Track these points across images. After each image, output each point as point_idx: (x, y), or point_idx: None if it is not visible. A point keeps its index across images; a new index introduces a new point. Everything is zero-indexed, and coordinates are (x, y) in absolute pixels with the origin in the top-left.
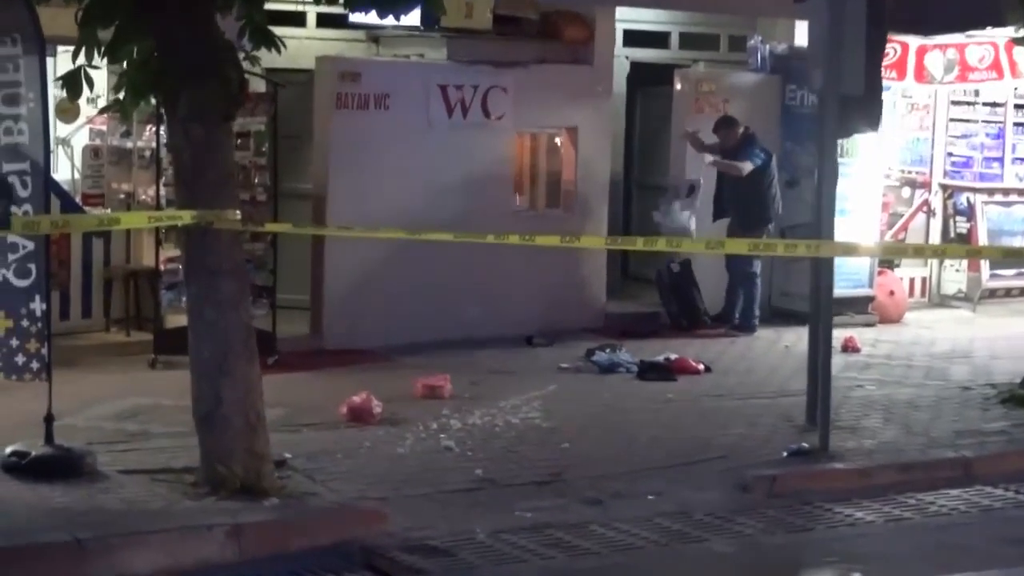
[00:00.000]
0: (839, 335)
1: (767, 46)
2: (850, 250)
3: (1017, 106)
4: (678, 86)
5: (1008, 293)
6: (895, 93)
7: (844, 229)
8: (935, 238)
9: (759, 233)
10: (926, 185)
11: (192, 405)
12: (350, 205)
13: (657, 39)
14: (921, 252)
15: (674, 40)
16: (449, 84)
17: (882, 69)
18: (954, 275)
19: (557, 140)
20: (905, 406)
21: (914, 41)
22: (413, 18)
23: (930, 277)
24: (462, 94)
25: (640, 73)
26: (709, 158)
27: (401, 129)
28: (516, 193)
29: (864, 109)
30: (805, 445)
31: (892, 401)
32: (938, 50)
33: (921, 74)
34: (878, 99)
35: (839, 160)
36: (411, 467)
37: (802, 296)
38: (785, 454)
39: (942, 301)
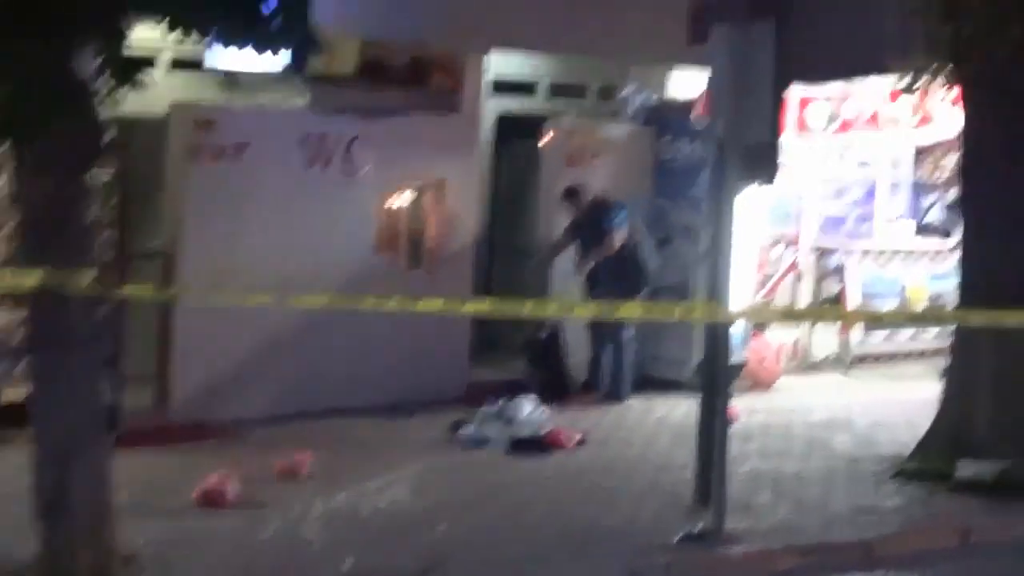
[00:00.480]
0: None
1: (640, 96)
2: (761, 315)
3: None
4: (548, 138)
5: (878, 358)
6: None
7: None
8: (805, 300)
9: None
10: (796, 244)
11: (33, 493)
12: (204, 265)
13: (525, 89)
14: (822, 316)
15: (542, 89)
16: (312, 134)
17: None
18: (825, 339)
19: (422, 195)
20: (794, 481)
21: (795, 92)
22: (277, 62)
23: (798, 341)
24: (326, 145)
25: (507, 125)
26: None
27: (260, 182)
28: (379, 251)
29: (765, 159)
30: (699, 526)
31: (781, 475)
32: (820, 101)
33: (803, 126)
34: (776, 148)
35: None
36: (273, 559)
37: (675, 362)
38: (677, 538)
39: (813, 366)
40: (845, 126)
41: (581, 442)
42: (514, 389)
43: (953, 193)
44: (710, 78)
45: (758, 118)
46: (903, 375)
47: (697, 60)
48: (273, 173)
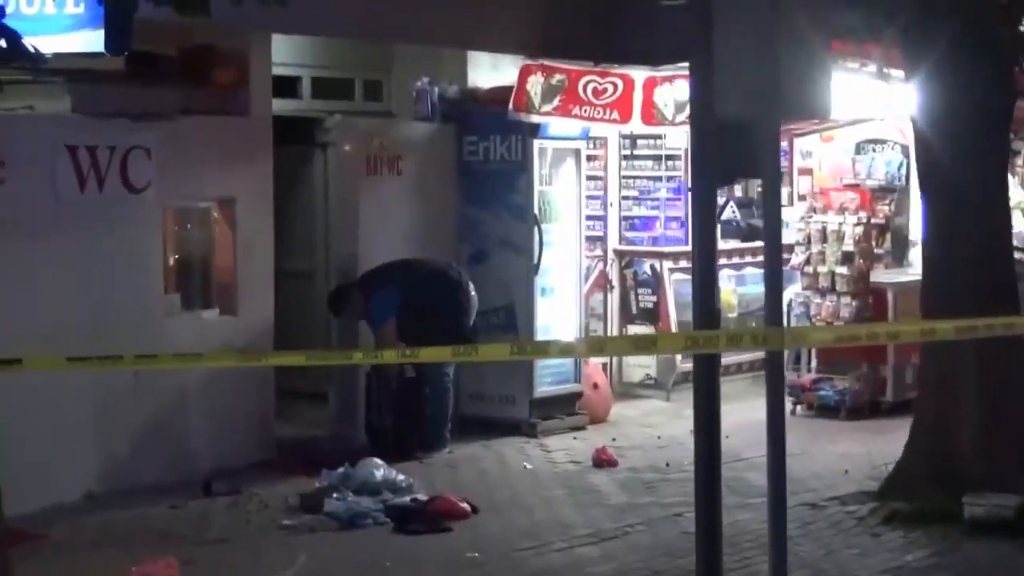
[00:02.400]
0: (563, 445)
1: (436, 89)
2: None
3: None
4: (344, 143)
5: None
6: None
7: (549, 311)
8: (614, 315)
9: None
10: (600, 252)
11: None
12: None
13: (288, 86)
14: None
15: (305, 87)
16: (80, 145)
17: None
18: (639, 359)
19: (210, 218)
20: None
21: (640, 75)
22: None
23: (611, 363)
24: (96, 158)
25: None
26: None
27: (20, 208)
28: (168, 289)
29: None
30: None
31: (750, 531)
32: (667, 83)
33: (650, 114)
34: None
35: (539, 228)
36: None
37: (500, 399)
38: None
39: (627, 390)
40: None
41: (474, 510)
42: (340, 447)
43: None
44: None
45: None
46: (728, 395)
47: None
48: (36, 196)
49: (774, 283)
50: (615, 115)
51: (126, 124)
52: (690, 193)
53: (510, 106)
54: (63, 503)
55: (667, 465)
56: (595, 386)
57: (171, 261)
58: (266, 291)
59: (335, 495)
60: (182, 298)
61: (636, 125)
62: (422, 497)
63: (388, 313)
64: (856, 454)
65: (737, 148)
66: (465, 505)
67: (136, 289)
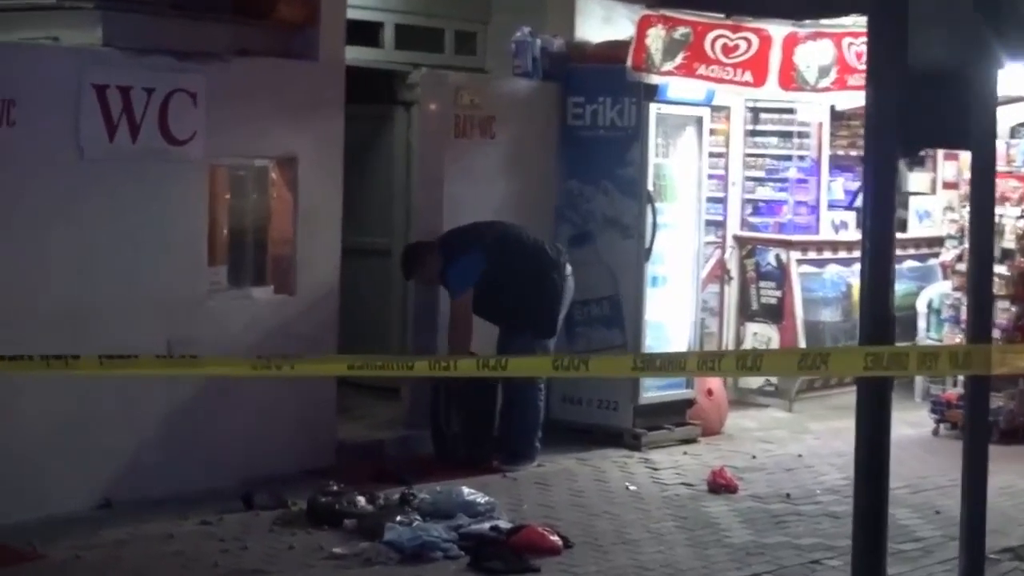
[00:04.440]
0: (672, 462)
1: (538, 42)
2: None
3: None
4: (430, 101)
5: (826, 384)
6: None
7: (660, 305)
8: (732, 311)
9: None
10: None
11: None
12: None
13: (367, 32)
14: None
15: (388, 35)
16: (111, 85)
17: None
18: None
19: (267, 179)
20: None
21: (780, 30)
22: None
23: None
24: (130, 102)
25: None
26: None
27: (33, 159)
28: (213, 262)
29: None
30: None
31: None
32: (811, 41)
33: (789, 77)
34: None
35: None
36: None
37: (600, 404)
38: None
39: (743, 397)
40: (842, 82)
41: (567, 544)
42: (412, 454)
43: None
44: None
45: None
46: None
47: None
48: (55, 146)
49: (981, 291)
50: (748, 76)
51: (168, 63)
52: (863, 167)
53: (628, 63)
54: (73, 513)
55: (788, 496)
56: (709, 392)
57: (218, 229)
58: (330, 268)
59: (399, 518)
60: (230, 272)
61: (772, 89)
62: (504, 525)
63: (469, 281)
64: (1021, 490)
65: (933, 109)
66: (556, 538)
67: (174, 260)
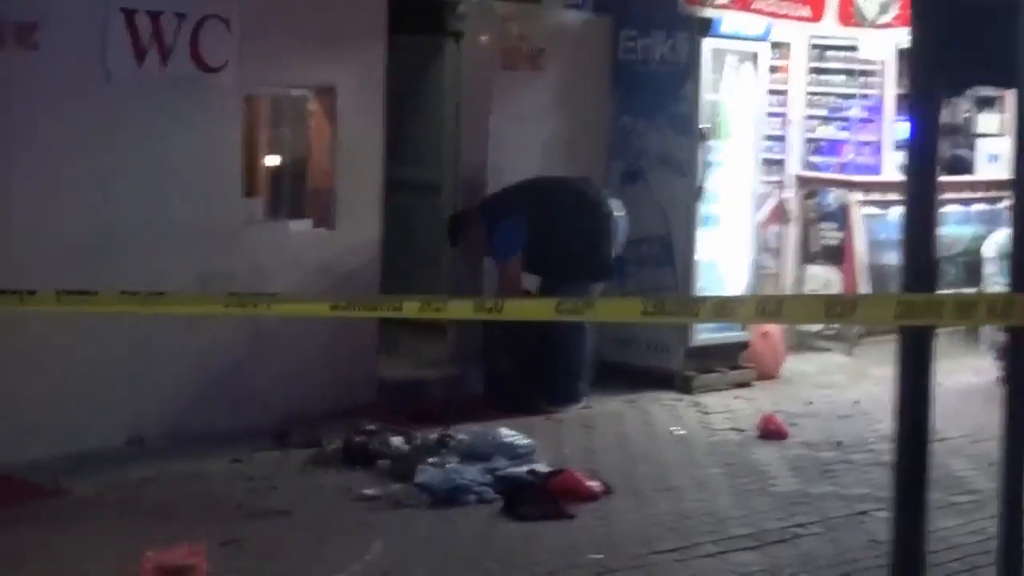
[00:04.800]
0: (723, 406)
1: None
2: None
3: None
4: (476, 31)
5: (892, 328)
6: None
7: (713, 245)
8: (791, 253)
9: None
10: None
11: None
12: None
13: None
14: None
15: None
16: (139, 10)
17: None
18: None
19: (304, 109)
20: None
21: None
22: None
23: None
24: (160, 27)
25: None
26: None
27: (57, 84)
28: (248, 195)
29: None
30: None
31: (943, 543)
32: None
33: (848, 12)
34: None
35: (706, 145)
36: None
37: (650, 345)
38: None
39: (802, 340)
40: (904, 18)
41: (606, 490)
42: (455, 394)
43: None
44: None
45: None
46: None
47: None
48: (80, 71)
49: None
50: (805, 11)
51: None
52: (906, 105)
53: None
54: (101, 449)
55: (839, 443)
56: (765, 335)
57: (254, 160)
58: (372, 202)
59: (432, 460)
60: (266, 205)
61: (830, 25)
62: (541, 468)
63: (515, 246)
64: None
65: (978, 45)
66: (594, 484)
67: (207, 191)
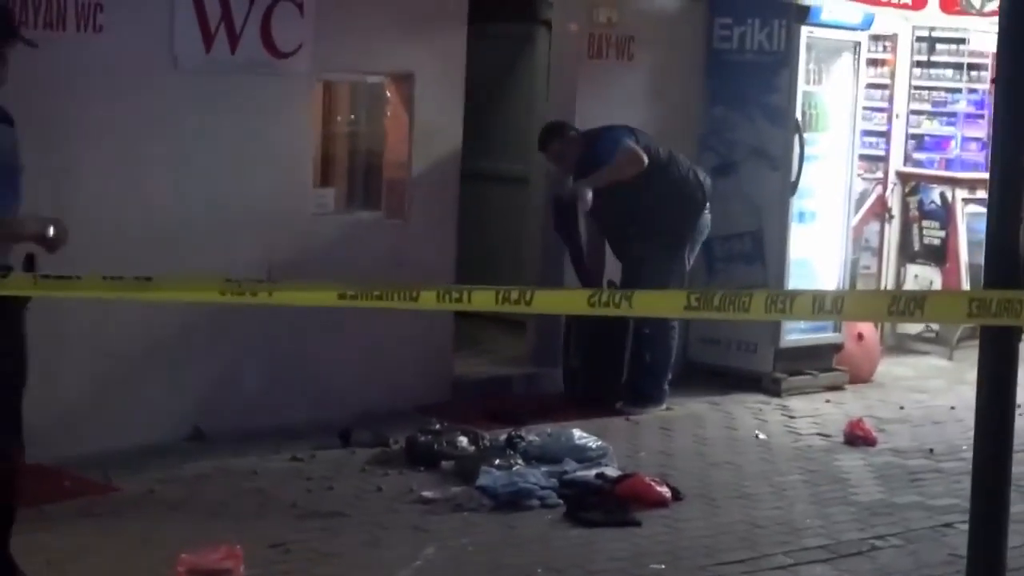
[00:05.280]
0: (811, 410)
1: None
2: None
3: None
4: (563, 18)
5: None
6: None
7: (806, 242)
8: (892, 251)
9: (676, 255)
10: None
11: None
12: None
13: None
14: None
15: None
16: None
17: None
18: None
19: (380, 96)
20: None
21: None
22: None
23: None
24: (229, 10)
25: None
26: (587, 195)
27: (123, 71)
28: (320, 184)
29: None
30: None
31: None
32: None
33: (952, 0)
34: None
35: (803, 137)
36: None
37: (738, 346)
38: None
39: (900, 343)
40: None
41: (676, 496)
42: (535, 392)
43: None
44: None
45: None
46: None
47: None
48: (146, 56)
49: None
50: None
51: None
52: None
53: None
54: (160, 443)
55: (930, 451)
56: (859, 337)
57: (326, 148)
58: (448, 193)
59: (497, 461)
60: (338, 195)
61: (933, 13)
62: (611, 472)
63: (624, 139)
64: None
65: None
66: (664, 489)
67: (277, 180)
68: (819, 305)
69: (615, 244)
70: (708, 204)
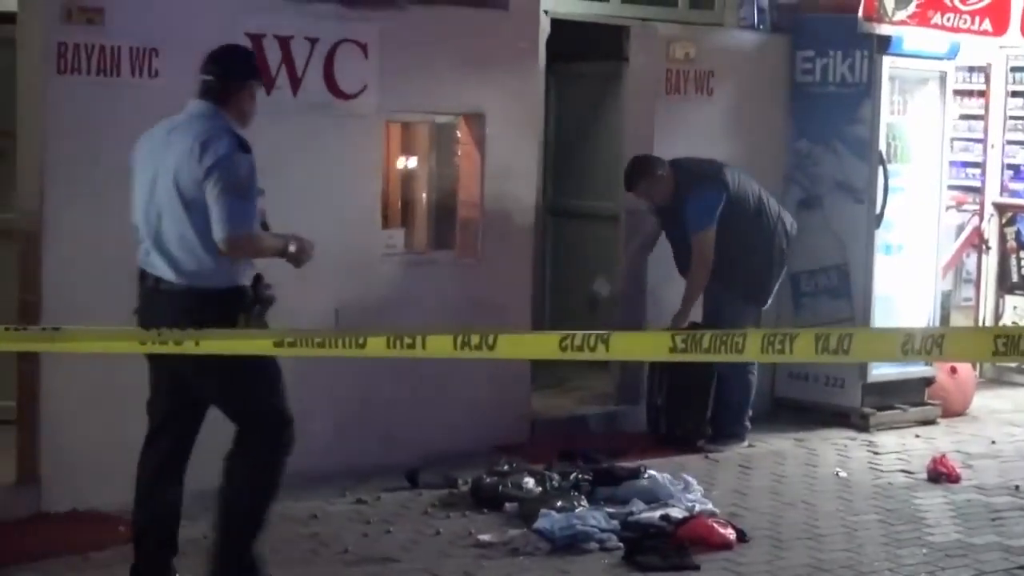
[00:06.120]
0: (898, 446)
1: None
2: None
3: None
4: (638, 53)
5: None
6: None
7: (893, 274)
8: (990, 282)
9: (755, 301)
10: (959, 204)
11: None
12: (83, 246)
13: None
14: None
15: None
16: (267, 34)
17: None
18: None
19: (451, 136)
20: None
21: None
22: None
23: None
24: (291, 53)
25: (562, 39)
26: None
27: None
28: (386, 225)
29: None
30: None
31: None
32: None
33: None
34: None
35: (887, 169)
36: None
37: (826, 380)
38: None
39: (999, 376)
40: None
41: (741, 538)
42: (616, 431)
43: None
44: None
45: None
46: None
47: None
48: None
49: None
50: (985, 24)
51: (335, 11)
52: None
53: (859, 13)
54: None
55: (1017, 488)
56: (953, 370)
57: (394, 188)
58: (524, 232)
59: (559, 503)
60: (407, 235)
61: (1013, 36)
62: (677, 514)
63: (712, 215)
64: None
65: None
66: (728, 532)
67: (343, 221)
68: (823, 345)
69: None
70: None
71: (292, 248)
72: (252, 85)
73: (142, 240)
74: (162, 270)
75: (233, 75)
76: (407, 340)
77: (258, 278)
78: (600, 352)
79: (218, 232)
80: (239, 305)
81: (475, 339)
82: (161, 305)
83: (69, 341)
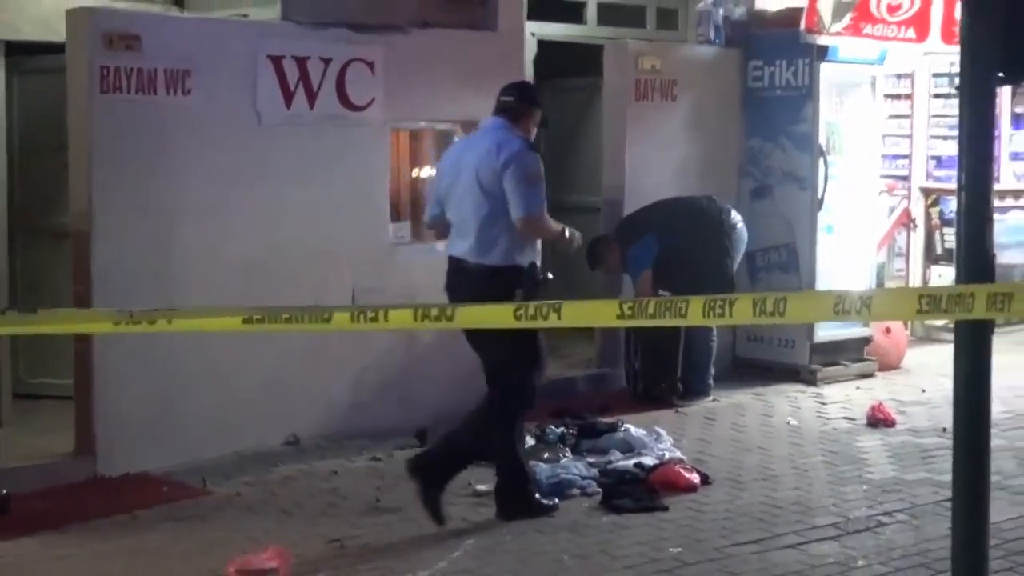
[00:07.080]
0: (840, 396)
1: (721, 10)
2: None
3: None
4: (611, 66)
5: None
6: (892, 64)
7: (835, 250)
8: (918, 255)
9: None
10: (890, 190)
11: None
12: (126, 245)
13: (570, 9)
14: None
15: (591, 12)
16: (286, 56)
17: None
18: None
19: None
20: None
21: None
22: None
23: None
24: (307, 72)
25: (552, 59)
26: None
27: (211, 126)
28: (394, 218)
29: None
30: None
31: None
32: None
33: (950, 32)
34: None
35: (827, 160)
36: None
37: (779, 342)
38: None
39: (928, 334)
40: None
41: (705, 481)
42: (598, 391)
43: None
44: None
45: None
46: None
47: None
48: (232, 113)
49: None
50: (910, 32)
51: (345, 35)
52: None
53: (801, 26)
54: (259, 449)
55: (944, 430)
56: (887, 330)
57: (402, 186)
58: None
59: (546, 455)
60: (414, 227)
61: (934, 43)
62: (648, 461)
63: (644, 264)
64: None
65: None
66: (693, 476)
67: (358, 216)
68: (760, 308)
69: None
70: (738, 220)
71: (567, 234)
72: (537, 112)
73: (450, 230)
74: (463, 251)
75: (526, 99)
76: (370, 314)
77: (532, 264)
78: (552, 320)
79: (516, 212)
80: (516, 281)
81: (434, 312)
82: (461, 282)
83: (45, 324)
